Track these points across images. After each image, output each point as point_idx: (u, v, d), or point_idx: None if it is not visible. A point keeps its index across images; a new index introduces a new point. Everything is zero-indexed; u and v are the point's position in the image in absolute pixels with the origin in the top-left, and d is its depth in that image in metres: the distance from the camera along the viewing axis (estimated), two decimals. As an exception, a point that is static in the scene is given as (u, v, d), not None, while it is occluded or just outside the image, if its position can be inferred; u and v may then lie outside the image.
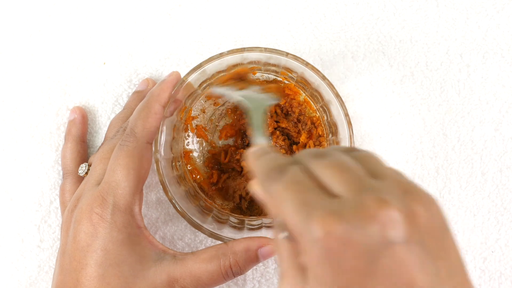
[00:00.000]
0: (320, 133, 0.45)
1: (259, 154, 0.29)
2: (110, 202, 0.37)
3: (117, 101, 0.48)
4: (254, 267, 0.45)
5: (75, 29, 0.48)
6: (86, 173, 0.42)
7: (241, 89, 0.42)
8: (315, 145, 0.45)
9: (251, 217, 0.44)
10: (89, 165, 0.43)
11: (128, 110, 0.45)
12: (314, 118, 0.45)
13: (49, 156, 0.47)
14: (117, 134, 0.41)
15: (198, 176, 0.46)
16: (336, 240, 0.22)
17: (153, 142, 0.40)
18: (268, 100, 0.41)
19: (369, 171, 0.25)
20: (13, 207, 0.46)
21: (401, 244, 0.22)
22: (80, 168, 0.43)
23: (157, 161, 0.41)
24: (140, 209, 0.39)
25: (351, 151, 0.27)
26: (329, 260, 0.23)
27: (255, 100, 0.39)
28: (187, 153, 0.46)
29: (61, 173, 0.46)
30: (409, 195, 0.24)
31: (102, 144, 0.44)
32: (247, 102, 0.39)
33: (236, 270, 0.38)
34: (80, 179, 0.43)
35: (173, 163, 0.44)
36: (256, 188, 0.27)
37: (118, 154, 0.38)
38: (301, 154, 0.27)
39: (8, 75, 0.48)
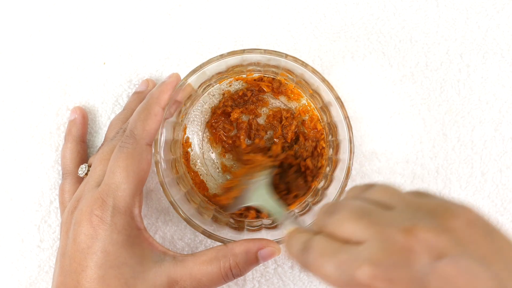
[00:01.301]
0: (319, 150, 0.45)
1: (290, 236, 0.30)
2: (110, 204, 0.37)
3: (117, 101, 0.48)
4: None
5: (75, 29, 0.48)
6: (86, 174, 0.42)
7: (240, 191, 0.43)
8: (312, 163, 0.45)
9: (250, 219, 0.44)
10: (89, 166, 0.43)
11: (128, 111, 0.45)
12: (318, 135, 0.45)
13: (49, 156, 0.47)
14: (117, 135, 0.41)
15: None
16: (381, 283, 0.23)
17: (153, 144, 0.40)
18: (265, 179, 0.42)
19: (386, 206, 0.26)
20: (13, 207, 0.46)
21: (444, 262, 0.22)
22: (80, 169, 0.43)
23: (157, 163, 0.41)
24: (140, 211, 0.39)
25: (364, 191, 0.28)
26: None
27: (257, 192, 0.41)
28: (186, 154, 0.46)
29: (61, 173, 0.46)
30: (434, 213, 0.24)
31: (102, 144, 0.44)
32: (256, 204, 0.41)
33: (236, 272, 0.38)
34: (80, 179, 0.43)
35: (173, 165, 0.43)
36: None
37: (118, 156, 0.38)
38: (319, 218, 0.28)
39: (8, 75, 0.48)
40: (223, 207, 0.44)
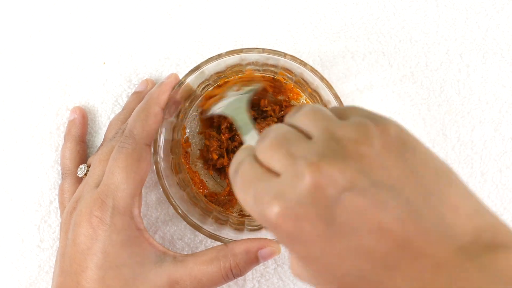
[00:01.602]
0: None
1: (233, 157, 0.29)
2: (109, 205, 0.37)
3: (116, 101, 0.47)
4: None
5: (75, 29, 0.48)
6: (85, 174, 0.42)
7: (219, 98, 0.42)
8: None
9: (251, 218, 0.44)
10: (88, 166, 0.43)
11: (127, 111, 0.45)
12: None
13: (49, 156, 0.47)
14: (116, 135, 0.41)
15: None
16: (289, 220, 0.23)
17: (153, 144, 0.40)
18: (247, 93, 0.40)
19: (306, 133, 0.25)
20: (13, 207, 0.46)
21: (349, 194, 0.22)
22: (79, 169, 0.43)
23: (156, 163, 0.41)
24: (139, 211, 0.39)
25: (294, 113, 0.27)
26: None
27: (233, 103, 0.39)
28: (186, 154, 0.46)
29: (60, 173, 0.46)
30: (347, 140, 0.24)
31: (101, 145, 0.44)
32: (227, 112, 0.39)
33: (236, 272, 0.38)
34: (79, 179, 0.43)
35: (173, 165, 0.44)
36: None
37: (117, 156, 0.38)
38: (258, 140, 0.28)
39: (8, 75, 0.48)
40: (201, 112, 0.44)
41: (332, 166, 0.22)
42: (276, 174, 0.24)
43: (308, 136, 0.25)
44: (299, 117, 0.26)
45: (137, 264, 0.37)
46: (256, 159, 0.26)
